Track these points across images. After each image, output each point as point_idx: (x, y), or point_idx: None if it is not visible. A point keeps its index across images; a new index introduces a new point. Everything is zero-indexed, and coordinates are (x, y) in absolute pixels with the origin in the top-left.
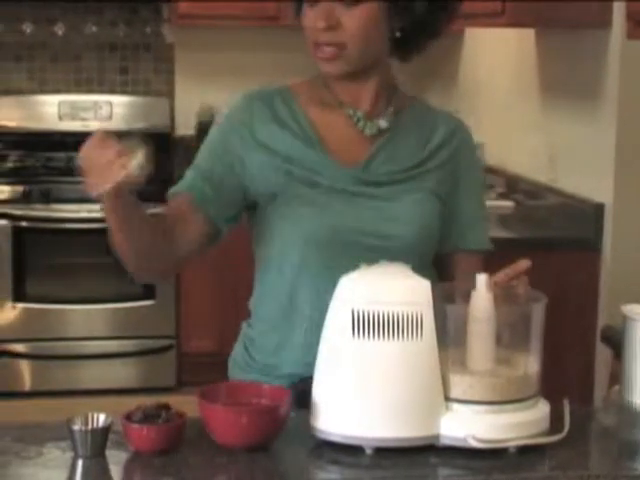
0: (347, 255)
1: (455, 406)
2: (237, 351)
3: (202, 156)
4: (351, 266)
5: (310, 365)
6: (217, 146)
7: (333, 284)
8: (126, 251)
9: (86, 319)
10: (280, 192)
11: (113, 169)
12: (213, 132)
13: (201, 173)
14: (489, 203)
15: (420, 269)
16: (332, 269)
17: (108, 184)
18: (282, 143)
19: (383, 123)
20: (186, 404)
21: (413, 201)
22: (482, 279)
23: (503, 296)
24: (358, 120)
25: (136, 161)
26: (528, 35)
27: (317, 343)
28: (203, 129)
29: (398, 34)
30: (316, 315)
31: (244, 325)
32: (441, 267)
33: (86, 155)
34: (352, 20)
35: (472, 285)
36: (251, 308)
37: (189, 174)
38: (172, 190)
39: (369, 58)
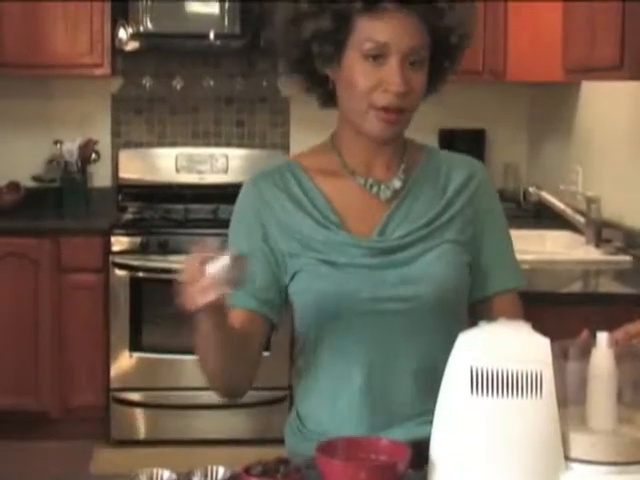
0: (380, 322)
1: (576, 466)
2: (291, 416)
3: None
4: (385, 331)
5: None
6: (246, 246)
7: (376, 352)
8: (209, 370)
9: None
10: (297, 274)
11: (208, 291)
12: (235, 233)
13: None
14: (607, 257)
15: (451, 324)
16: (367, 339)
17: (203, 300)
18: (299, 224)
19: (397, 183)
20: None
21: (434, 258)
22: (603, 336)
23: (624, 354)
24: (371, 187)
25: (224, 261)
26: None
27: (366, 408)
28: None
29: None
30: (364, 382)
31: (295, 384)
32: (477, 313)
33: (185, 273)
34: (418, 84)
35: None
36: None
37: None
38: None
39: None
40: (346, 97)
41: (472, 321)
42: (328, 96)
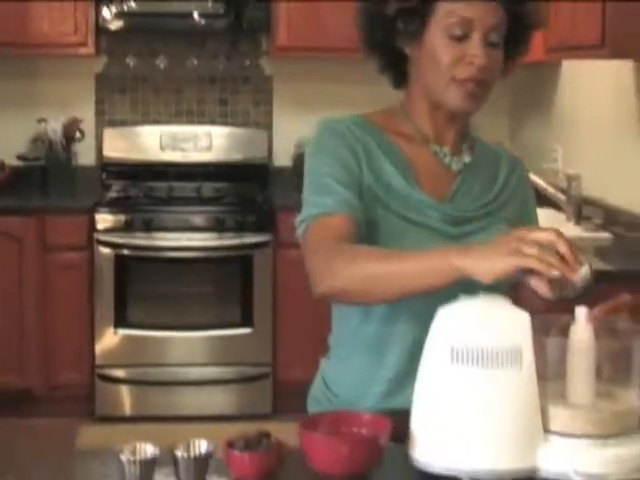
0: (445, 291)
1: (555, 439)
2: (316, 386)
3: (327, 173)
4: (439, 305)
5: (394, 398)
6: (340, 161)
7: (422, 325)
8: (381, 298)
9: (185, 346)
10: (374, 222)
11: (567, 265)
12: (323, 154)
13: (342, 188)
14: (587, 235)
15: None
16: (419, 308)
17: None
18: (383, 169)
19: (467, 158)
20: (282, 431)
21: (495, 232)
22: (582, 311)
23: (602, 329)
24: (444, 156)
25: (584, 271)
26: (627, 66)
27: (405, 378)
28: (300, 161)
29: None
30: (405, 354)
31: (322, 361)
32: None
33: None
34: (496, 62)
35: (570, 318)
36: (331, 344)
37: (323, 198)
38: (314, 213)
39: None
40: (428, 72)
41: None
42: (402, 76)
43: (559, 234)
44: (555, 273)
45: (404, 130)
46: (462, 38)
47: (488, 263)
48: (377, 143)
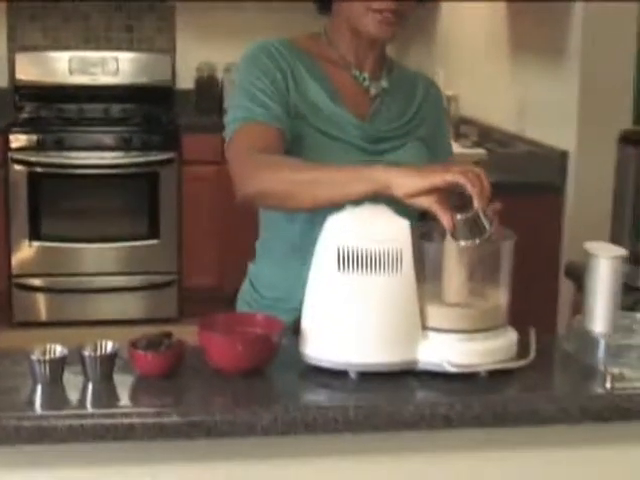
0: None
1: (431, 334)
2: (244, 289)
3: (256, 86)
4: None
5: None
6: (268, 77)
7: None
8: (305, 205)
9: (96, 256)
10: (298, 137)
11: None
12: (253, 69)
13: (269, 101)
14: (464, 151)
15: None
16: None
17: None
18: (308, 87)
19: (384, 83)
20: (187, 334)
21: (410, 150)
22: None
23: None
24: (364, 80)
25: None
26: (500, 2)
27: None
28: (202, 84)
29: None
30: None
31: (250, 265)
32: None
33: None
34: None
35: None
36: (258, 249)
37: (251, 106)
38: (241, 120)
39: None
40: (347, 3)
41: None
42: (325, 4)
43: (484, 172)
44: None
45: (328, 55)
46: None
47: (408, 179)
48: (304, 66)
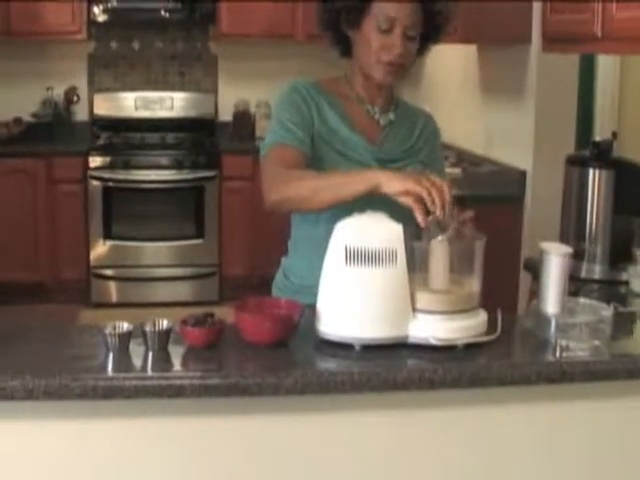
0: (367, 208)
1: (420, 315)
2: (277, 278)
3: (286, 117)
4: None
5: None
6: (297, 110)
7: None
8: (315, 206)
9: (155, 252)
10: (321, 158)
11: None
12: (289, 103)
13: (296, 129)
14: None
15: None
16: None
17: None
18: (328, 118)
19: (392, 116)
20: (225, 314)
21: (410, 171)
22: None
23: (455, 235)
24: (375, 113)
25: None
26: (472, 48)
27: None
28: (238, 117)
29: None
30: None
31: (283, 259)
32: None
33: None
34: (412, 50)
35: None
36: (289, 246)
37: (283, 130)
38: (273, 141)
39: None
40: (362, 53)
41: None
42: (347, 50)
43: (449, 186)
44: (430, 207)
45: (345, 92)
46: (387, 31)
47: (393, 180)
48: (326, 101)
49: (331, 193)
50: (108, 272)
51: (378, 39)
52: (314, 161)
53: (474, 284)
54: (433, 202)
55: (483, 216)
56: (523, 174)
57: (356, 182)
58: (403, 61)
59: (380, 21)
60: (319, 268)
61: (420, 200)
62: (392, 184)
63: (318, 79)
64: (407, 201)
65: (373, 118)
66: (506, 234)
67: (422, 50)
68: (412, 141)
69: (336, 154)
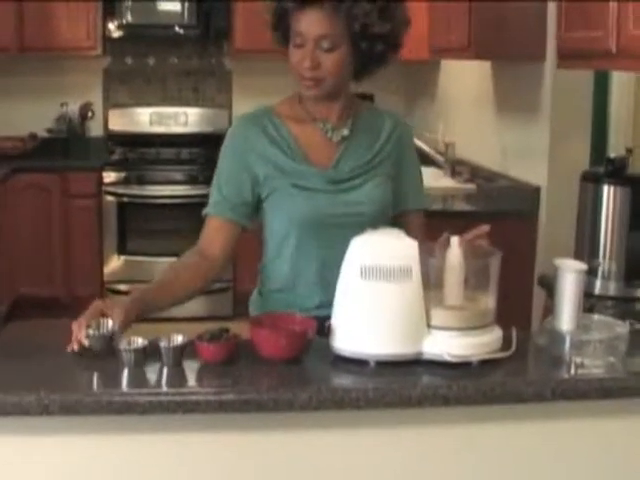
0: (328, 231)
1: (434, 331)
2: (254, 298)
3: (223, 179)
4: (333, 238)
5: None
6: (234, 168)
7: (321, 252)
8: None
9: None
10: (275, 190)
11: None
12: (225, 158)
13: (224, 196)
14: (459, 185)
15: None
16: (319, 242)
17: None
18: (274, 156)
19: (345, 131)
20: (240, 329)
21: (372, 186)
22: (455, 239)
23: (470, 251)
24: (327, 131)
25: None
26: (487, 64)
27: (318, 291)
28: None
29: (359, 67)
30: (319, 274)
31: (258, 279)
32: (397, 224)
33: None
34: (329, 62)
35: (447, 244)
36: (261, 271)
37: (215, 197)
38: (206, 211)
39: (339, 85)
40: (290, 69)
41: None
42: None
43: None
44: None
45: (297, 114)
46: (301, 46)
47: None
48: (273, 128)
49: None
50: (122, 287)
51: (293, 54)
52: (271, 194)
53: (489, 300)
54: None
55: (497, 232)
56: (537, 190)
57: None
58: (323, 75)
59: (294, 36)
60: (296, 296)
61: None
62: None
63: (276, 103)
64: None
65: (326, 136)
66: (520, 250)
67: (363, 65)
68: (374, 151)
69: (289, 186)
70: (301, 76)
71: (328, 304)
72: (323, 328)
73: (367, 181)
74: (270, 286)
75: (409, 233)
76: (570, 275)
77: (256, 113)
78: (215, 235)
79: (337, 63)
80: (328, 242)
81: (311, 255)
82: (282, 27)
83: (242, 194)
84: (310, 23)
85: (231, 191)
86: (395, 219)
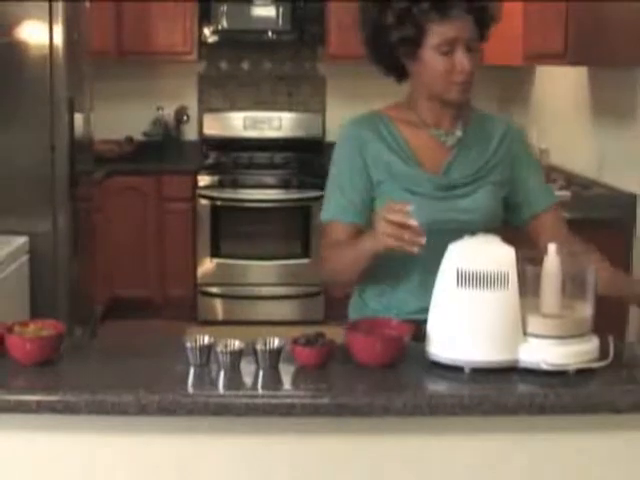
0: (439, 238)
1: (531, 339)
2: (354, 300)
3: (346, 182)
4: (438, 243)
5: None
6: (354, 171)
7: (425, 258)
8: (347, 278)
9: (262, 271)
10: (388, 194)
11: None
12: (343, 161)
13: (349, 200)
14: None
15: None
16: (429, 248)
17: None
18: (388, 159)
19: (458, 133)
20: (332, 334)
21: (482, 194)
22: (552, 247)
23: (568, 261)
24: (440, 136)
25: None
26: (583, 70)
27: (419, 297)
28: None
29: None
30: (420, 279)
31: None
32: (527, 232)
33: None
34: (472, 63)
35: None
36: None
37: (339, 202)
38: (331, 217)
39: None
40: (428, 79)
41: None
42: (402, 76)
43: (407, 215)
44: (407, 248)
45: (408, 119)
46: (449, 52)
47: (376, 242)
48: (386, 131)
49: (352, 270)
50: (214, 290)
51: (443, 62)
52: (381, 197)
53: (586, 309)
54: (402, 233)
55: (592, 240)
56: (634, 197)
57: (359, 258)
58: (471, 78)
59: (441, 45)
60: (397, 299)
61: (398, 237)
62: (375, 244)
63: (382, 107)
64: (392, 245)
65: (439, 141)
66: (614, 260)
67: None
68: (486, 157)
69: (401, 191)
70: (451, 82)
71: (428, 309)
72: (421, 333)
73: (479, 189)
74: (371, 289)
75: (550, 234)
76: None
77: (368, 115)
78: (340, 235)
79: (475, 63)
80: (433, 248)
81: (415, 260)
82: (413, 40)
83: (364, 198)
84: (459, 29)
85: (355, 195)
86: (530, 222)
